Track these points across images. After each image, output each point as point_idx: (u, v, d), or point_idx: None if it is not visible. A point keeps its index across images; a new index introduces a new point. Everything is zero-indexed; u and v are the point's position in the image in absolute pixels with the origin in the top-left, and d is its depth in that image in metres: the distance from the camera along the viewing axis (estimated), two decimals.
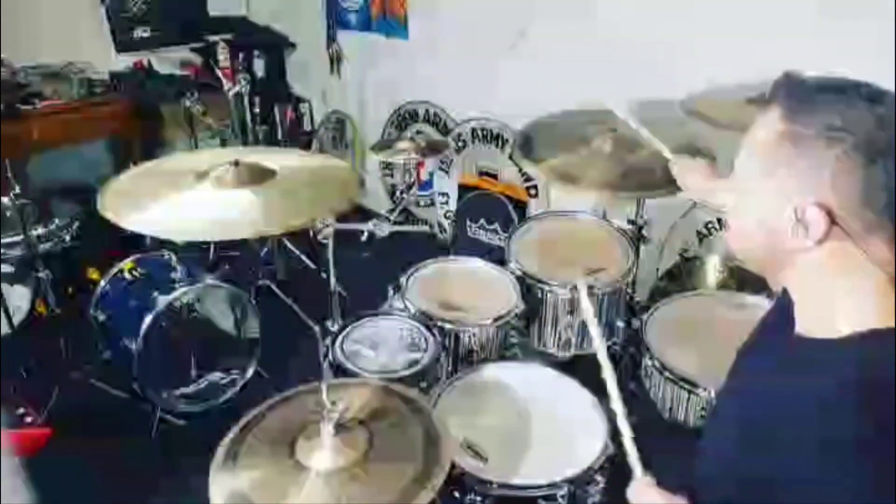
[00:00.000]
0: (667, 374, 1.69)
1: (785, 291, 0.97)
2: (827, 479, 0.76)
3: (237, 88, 3.01)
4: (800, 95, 0.83)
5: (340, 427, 1.20)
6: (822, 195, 0.80)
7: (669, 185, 1.74)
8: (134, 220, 1.58)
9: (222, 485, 1.16)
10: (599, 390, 1.62)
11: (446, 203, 3.49)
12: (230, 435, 1.26)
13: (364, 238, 1.90)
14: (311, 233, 1.82)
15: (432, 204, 3.55)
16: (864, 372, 0.79)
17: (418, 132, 3.48)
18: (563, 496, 1.38)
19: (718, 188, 1.47)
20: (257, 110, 3.21)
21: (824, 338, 0.85)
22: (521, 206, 3.11)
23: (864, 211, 0.79)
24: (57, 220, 2.69)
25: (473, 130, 3.24)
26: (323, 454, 1.18)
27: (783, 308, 0.97)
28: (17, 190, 2.35)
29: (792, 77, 0.87)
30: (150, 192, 1.68)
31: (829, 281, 0.85)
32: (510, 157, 3.08)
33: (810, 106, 0.81)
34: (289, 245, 3.20)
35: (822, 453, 0.77)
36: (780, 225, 0.84)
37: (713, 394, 1.59)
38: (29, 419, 2.28)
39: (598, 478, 1.43)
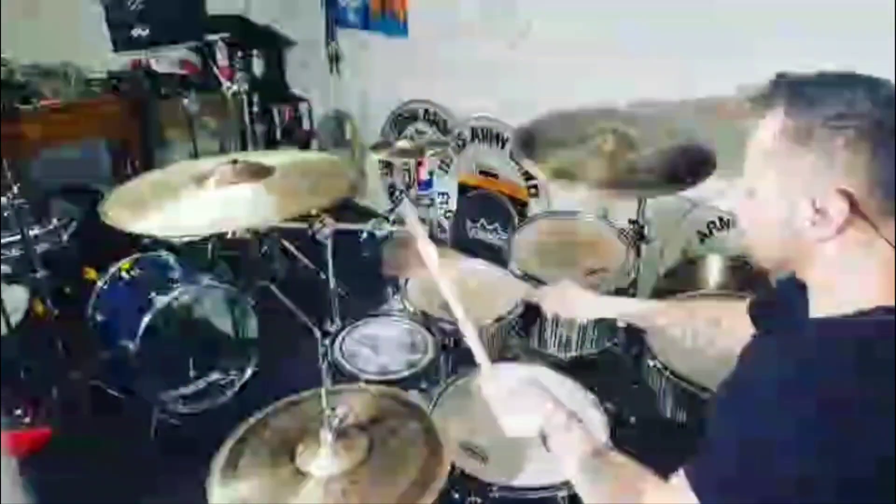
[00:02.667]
0: (667, 374, 1.69)
1: (785, 285, 0.97)
2: (822, 452, 0.77)
3: (236, 88, 3.00)
4: (800, 91, 0.85)
5: (340, 433, 1.20)
6: (838, 183, 0.82)
7: (670, 184, 1.74)
8: (137, 226, 1.56)
9: (222, 491, 1.15)
10: (599, 390, 1.62)
11: (446, 203, 3.48)
12: (230, 441, 1.25)
13: (364, 238, 1.90)
14: (311, 233, 1.81)
15: (432, 204, 3.55)
16: (864, 346, 0.82)
17: (418, 132, 3.47)
18: (563, 498, 1.37)
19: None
20: (256, 110, 3.20)
21: (831, 315, 0.87)
22: (521, 206, 3.11)
23: (878, 194, 0.82)
24: (55, 220, 2.68)
25: (473, 130, 3.23)
26: (323, 460, 1.17)
27: (788, 303, 0.99)
28: (15, 190, 2.34)
29: (789, 75, 0.89)
30: (152, 198, 1.66)
31: (849, 267, 0.87)
32: (510, 157, 3.08)
33: (811, 99, 0.83)
34: (288, 245, 3.19)
35: (819, 429, 0.78)
36: (798, 220, 0.86)
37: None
38: (28, 419, 2.28)
39: None
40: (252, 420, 1.31)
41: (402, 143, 2.49)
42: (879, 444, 0.77)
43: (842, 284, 0.88)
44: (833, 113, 0.81)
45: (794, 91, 0.86)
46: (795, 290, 0.98)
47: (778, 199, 0.88)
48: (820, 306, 0.92)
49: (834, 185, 0.82)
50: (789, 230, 0.88)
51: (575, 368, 1.79)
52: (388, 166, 3.74)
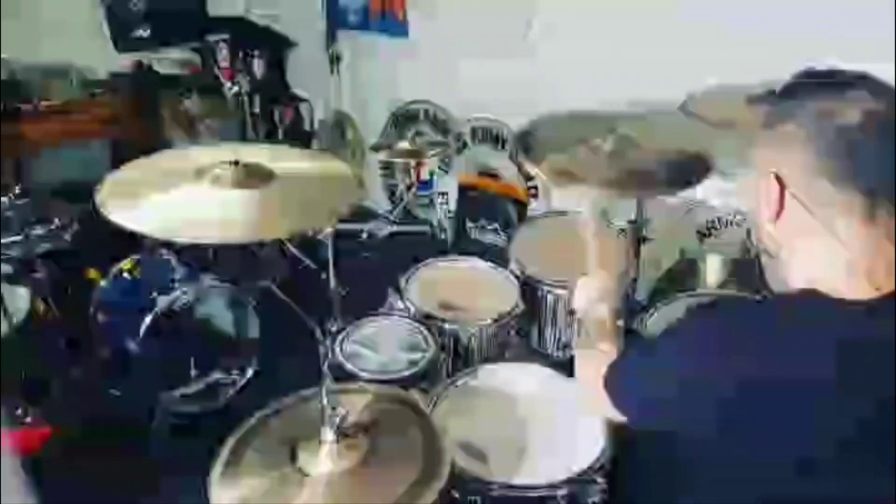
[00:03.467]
0: None
1: None
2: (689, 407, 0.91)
3: (237, 88, 3.01)
4: (786, 86, 0.92)
5: (341, 432, 1.20)
6: (778, 167, 0.89)
7: (670, 184, 1.74)
8: (132, 218, 1.54)
9: (223, 490, 1.16)
10: None
11: (446, 203, 3.48)
12: (231, 441, 1.26)
13: (364, 238, 1.91)
14: (311, 233, 1.82)
15: (432, 204, 3.55)
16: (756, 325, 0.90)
17: (418, 132, 3.48)
18: (562, 496, 1.38)
19: None
20: (257, 110, 3.20)
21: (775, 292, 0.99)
22: (521, 206, 3.11)
23: (818, 182, 0.86)
24: (56, 221, 2.68)
25: (473, 130, 3.24)
26: (324, 459, 1.17)
27: None
28: (17, 190, 2.35)
29: (799, 72, 0.94)
30: (148, 189, 1.64)
31: (795, 250, 0.93)
32: (510, 157, 3.08)
33: (786, 92, 0.92)
34: (289, 245, 3.19)
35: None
36: (759, 200, 0.94)
37: None
38: (28, 419, 2.28)
39: (598, 478, 1.43)
40: (252, 420, 1.31)
41: (403, 144, 2.49)
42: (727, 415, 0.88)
43: (789, 265, 0.95)
44: (790, 102, 0.89)
45: (784, 86, 0.93)
46: None
47: (753, 181, 0.95)
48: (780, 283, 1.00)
49: (776, 168, 0.89)
50: (756, 210, 0.95)
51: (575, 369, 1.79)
52: (388, 167, 3.74)
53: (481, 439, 1.49)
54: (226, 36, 3.55)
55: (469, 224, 3.26)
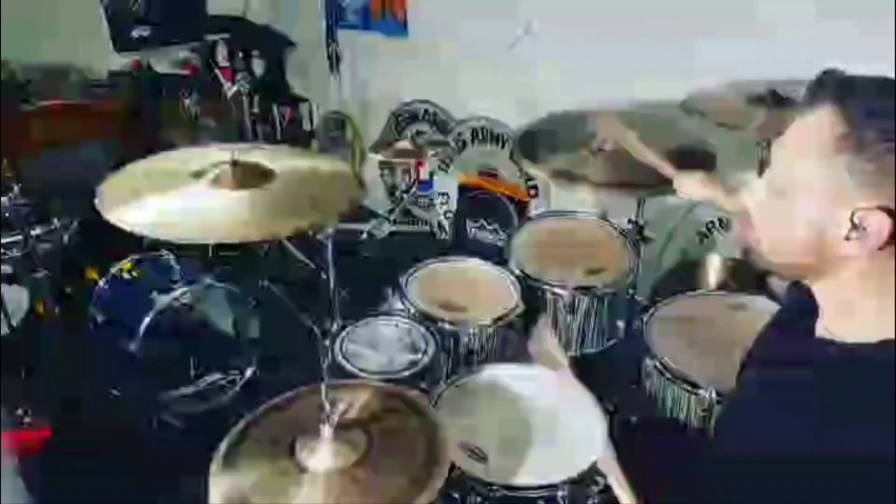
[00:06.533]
0: (667, 374, 1.69)
1: (793, 293, 0.96)
2: (867, 484, 0.76)
3: (236, 88, 3.01)
4: (855, 96, 0.80)
5: (340, 428, 1.20)
6: (886, 200, 0.77)
7: (670, 184, 1.74)
8: (133, 220, 1.55)
9: (222, 485, 1.16)
10: (599, 390, 1.62)
11: (446, 203, 3.48)
12: (230, 436, 1.26)
13: (364, 238, 1.91)
14: (311, 233, 1.82)
15: (432, 204, 3.55)
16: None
17: (418, 132, 3.47)
18: (563, 497, 1.38)
19: (721, 195, 1.54)
20: (256, 110, 3.20)
21: (860, 342, 0.83)
22: (521, 206, 3.11)
23: None
24: (56, 220, 2.68)
25: (473, 130, 3.23)
26: (322, 456, 1.17)
27: (797, 312, 0.96)
28: (16, 190, 2.35)
29: (840, 75, 0.84)
30: (148, 190, 1.65)
31: (875, 285, 0.83)
32: (510, 157, 3.08)
33: (869, 108, 0.79)
34: (288, 245, 3.19)
35: (865, 460, 0.76)
36: (832, 230, 0.81)
37: (714, 394, 1.59)
38: (28, 419, 2.28)
39: (598, 479, 1.43)
40: (251, 417, 1.31)
41: (402, 144, 2.49)
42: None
43: (864, 307, 0.85)
44: (891, 126, 0.76)
45: (848, 93, 0.81)
46: (800, 293, 0.95)
47: (814, 204, 0.82)
48: (834, 325, 0.89)
49: (880, 201, 0.77)
50: (819, 238, 0.83)
51: (575, 368, 1.79)
52: (388, 166, 3.74)
53: (481, 439, 1.49)
54: (226, 36, 3.55)
55: (469, 224, 3.26)
